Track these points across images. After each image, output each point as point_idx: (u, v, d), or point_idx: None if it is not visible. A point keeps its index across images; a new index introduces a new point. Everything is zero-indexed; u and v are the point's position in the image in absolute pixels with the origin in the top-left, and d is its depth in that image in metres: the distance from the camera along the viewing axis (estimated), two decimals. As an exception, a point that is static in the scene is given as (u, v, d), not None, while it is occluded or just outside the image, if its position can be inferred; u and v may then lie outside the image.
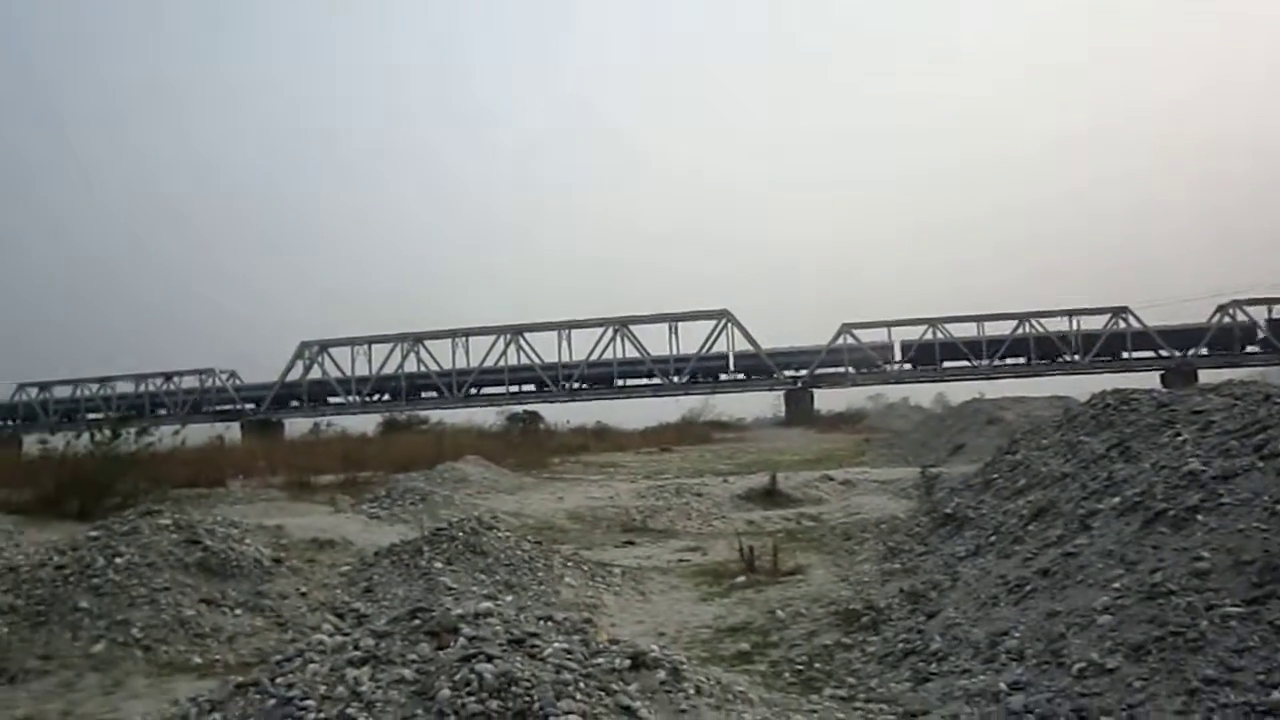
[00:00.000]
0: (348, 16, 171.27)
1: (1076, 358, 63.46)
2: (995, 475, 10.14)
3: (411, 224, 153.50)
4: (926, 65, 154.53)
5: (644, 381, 68.39)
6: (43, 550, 9.70)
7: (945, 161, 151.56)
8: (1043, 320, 63.93)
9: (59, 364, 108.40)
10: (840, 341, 65.79)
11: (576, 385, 68.50)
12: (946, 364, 65.70)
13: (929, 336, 65.27)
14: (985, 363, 63.59)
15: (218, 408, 70.71)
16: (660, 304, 69.49)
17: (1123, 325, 63.46)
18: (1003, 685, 4.83)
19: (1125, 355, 64.34)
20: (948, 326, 65.13)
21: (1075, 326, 64.11)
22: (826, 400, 70.22)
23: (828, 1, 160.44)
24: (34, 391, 74.79)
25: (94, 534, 9.27)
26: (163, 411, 67.45)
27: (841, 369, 67.12)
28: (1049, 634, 5.14)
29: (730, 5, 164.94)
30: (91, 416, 54.30)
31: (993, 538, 7.84)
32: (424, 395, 69.48)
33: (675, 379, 66.34)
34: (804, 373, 66.77)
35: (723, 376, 67.50)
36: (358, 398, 69.34)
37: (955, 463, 21.38)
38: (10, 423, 71.40)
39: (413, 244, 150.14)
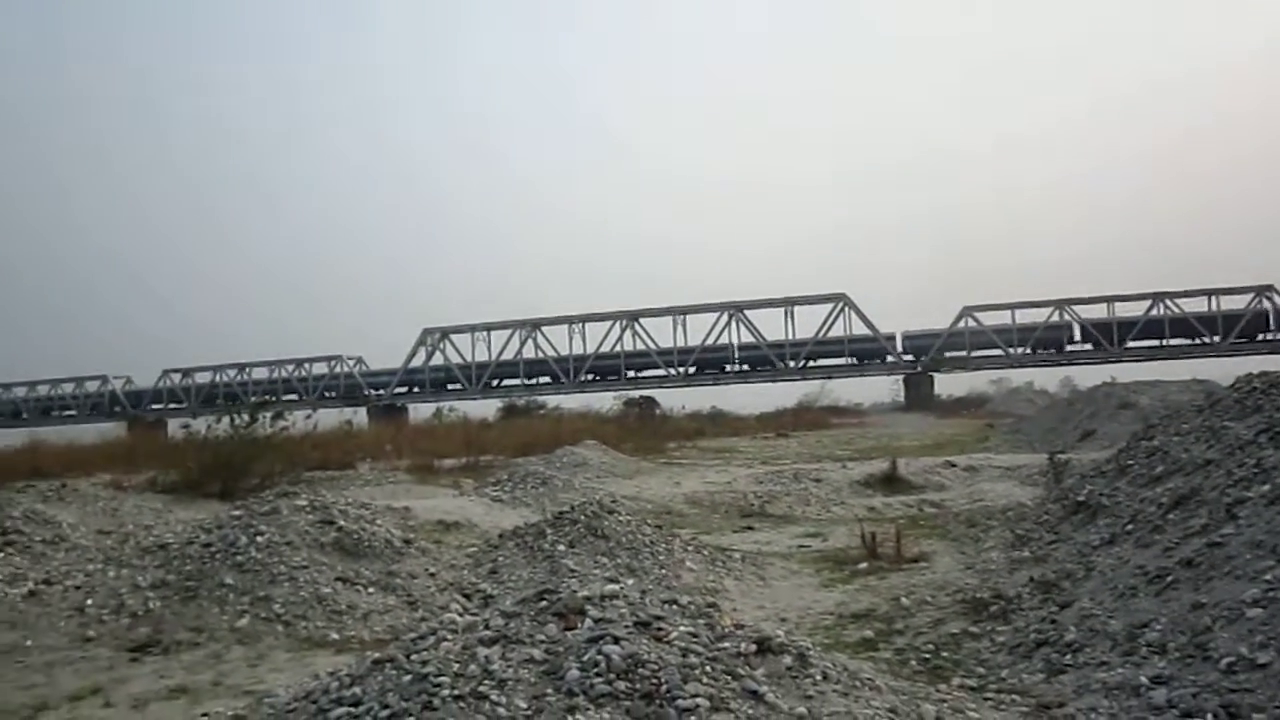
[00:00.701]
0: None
1: (1216, 339, 60.09)
2: (1130, 462, 9.74)
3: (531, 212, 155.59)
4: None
5: (759, 367, 67.96)
6: (190, 528, 10.23)
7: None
8: (1179, 300, 60.85)
9: (206, 351, 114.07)
10: (961, 324, 64.04)
11: (691, 370, 68.50)
12: (1073, 347, 63.26)
13: (1055, 318, 62.89)
14: (1116, 345, 60.95)
15: (346, 393, 73.21)
16: (773, 291, 68.67)
17: (1266, 305, 59.82)
18: (1144, 678, 4.66)
19: (1269, 336, 60.56)
20: (1075, 308, 62.64)
21: (1215, 307, 60.75)
22: (947, 385, 68.68)
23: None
24: (177, 377, 78.73)
25: (236, 513, 9.73)
26: (294, 397, 70.16)
27: (963, 352, 65.28)
28: (1193, 627, 4.93)
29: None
30: (230, 401, 56.89)
31: (1129, 526, 7.54)
32: (542, 380, 70.57)
33: (791, 364, 65.72)
34: (924, 357, 65.27)
35: (839, 361, 66.48)
36: (478, 383, 70.81)
37: (1085, 449, 20.65)
38: (156, 407, 75.42)
39: (527, 235, 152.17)
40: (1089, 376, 50.32)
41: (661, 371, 68.53)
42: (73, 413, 79.25)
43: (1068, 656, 5.46)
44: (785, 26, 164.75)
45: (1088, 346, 62.47)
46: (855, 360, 66.29)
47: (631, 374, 69.34)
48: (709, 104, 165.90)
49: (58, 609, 8.04)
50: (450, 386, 72.22)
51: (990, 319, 63.97)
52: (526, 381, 70.47)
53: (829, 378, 67.18)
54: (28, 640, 7.39)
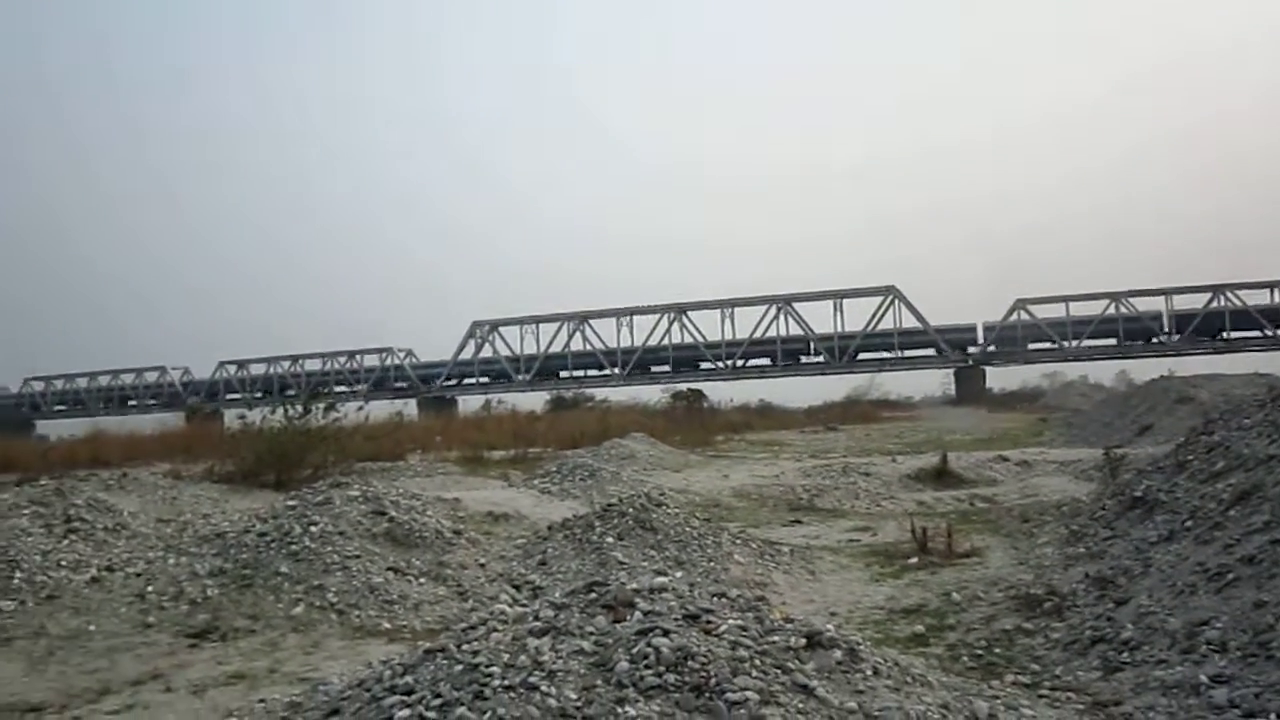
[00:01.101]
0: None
1: (1279, 332, 58.55)
2: (1189, 457, 9.52)
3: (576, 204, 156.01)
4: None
5: (808, 359, 67.57)
6: (246, 518, 10.42)
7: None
8: (1240, 292, 59.42)
9: (263, 343, 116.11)
10: (1014, 317, 63.13)
11: (739, 363, 68.30)
12: (1130, 340, 62.06)
13: (1110, 311, 61.73)
14: (1173, 338, 59.66)
15: (397, 385, 74.03)
16: (825, 285, 68.06)
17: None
18: (1204, 677, 4.57)
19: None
20: (1131, 300, 61.41)
21: (1278, 299, 59.18)
22: (999, 378, 67.76)
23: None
24: (233, 369, 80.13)
25: (291, 503, 9.89)
26: (346, 388, 71.07)
27: (1015, 346, 64.33)
28: (1256, 625, 4.83)
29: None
30: (284, 393, 57.73)
31: (1188, 523, 7.38)
32: (590, 373, 70.80)
33: (840, 356, 65.26)
34: (975, 350, 64.44)
35: (890, 354, 65.86)
36: (526, 375, 71.20)
37: (1142, 444, 20.28)
38: (213, 398, 76.85)
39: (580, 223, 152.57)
40: (1145, 370, 49.28)
41: (708, 365, 68.38)
42: (135, 403, 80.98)
43: (1125, 654, 5.38)
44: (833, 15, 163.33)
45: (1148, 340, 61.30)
46: (905, 353, 65.71)
47: (679, 367, 69.28)
48: (742, 94, 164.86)
49: (119, 595, 8.24)
50: (499, 379, 72.72)
51: (1044, 311, 63.01)
52: (574, 374, 70.72)
53: (878, 371, 66.68)
54: (91, 625, 7.59)
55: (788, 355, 67.58)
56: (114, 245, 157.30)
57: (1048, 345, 63.48)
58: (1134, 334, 61.84)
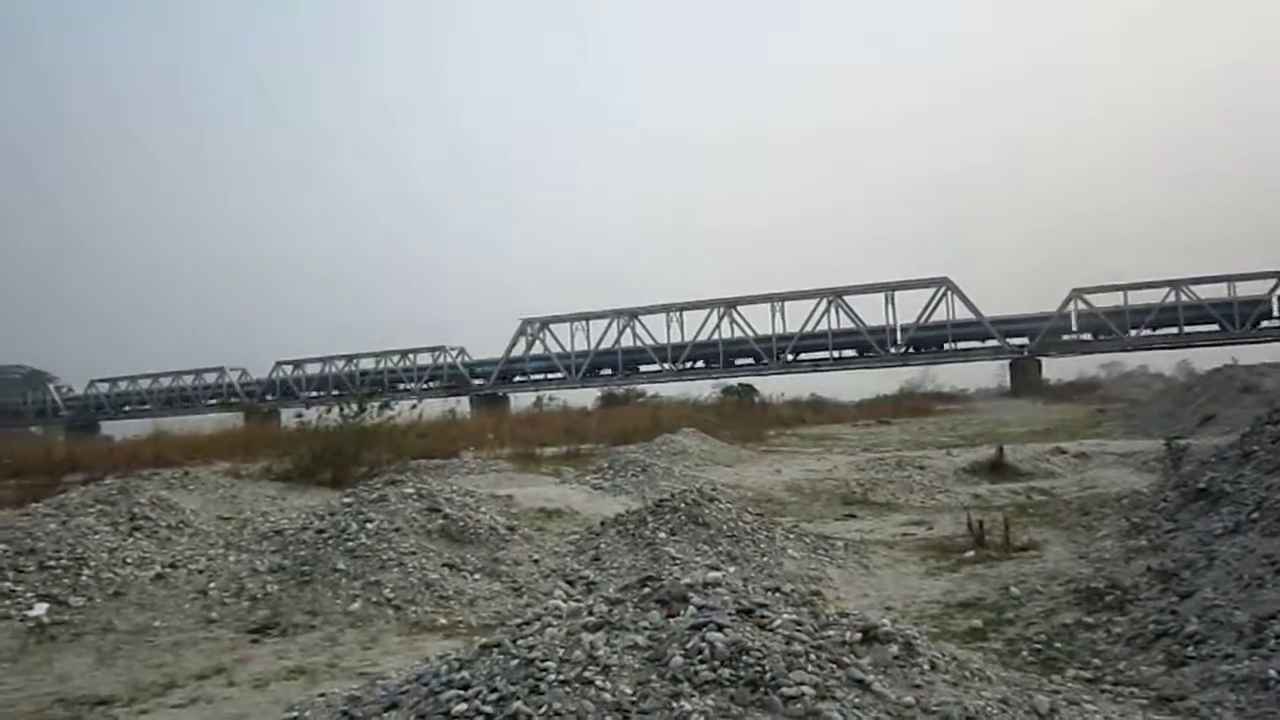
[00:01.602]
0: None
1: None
2: (1255, 447, 9.28)
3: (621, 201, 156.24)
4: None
5: (860, 353, 66.98)
6: (303, 515, 10.57)
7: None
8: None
9: (320, 343, 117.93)
10: (1070, 307, 61.99)
11: (791, 357, 67.90)
12: (1191, 328, 60.59)
13: (1170, 299, 60.32)
14: (1239, 326, 58.16)
15: (449, 383, 74.68)
16: (871, 277, 67.51)
17: None
18: (1272, 671, 4.47)
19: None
20: (1193, 288, 59.95)
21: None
22: (1055, 369, 66.59)
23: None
24: (289, 369, 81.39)
25: (347, 501, 10.03)
26: (401, 386, 71.81)
27: (1071, 336, 63.16)
28: (1326, 619, 4.69)
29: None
30: (339, 392, 58.50)
31: (1255, 514, 7.21)
32: (640, 369, 70.84)
33: (892, 349, 64.60)
34: (1031, 341, 63.38)
35: (946, 346, 65.02)
36: (577, 372, 71.43)
37: (1205, 434, 19.79)
38: (270, 397, 78.12)
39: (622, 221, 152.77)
40: (1207, 359, 48.08)
41: (758, 359, 68.05)
42: (209, 401, 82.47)
43: (1190, 648, 5.27)
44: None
45: (1209, 328, 59.86)
46: (958, 345, 64.86)
47: (730, 362, 69.05)
48: (787, 83, 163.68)
49: (183, 591, 8.42)
50: (550, 375, 73.02)
51: (1101, 300, 61.82)
52: (625, 370, 70.79)
53: (932, 363, 65.94)
54: (156, 621, 7.76)
55: (839, 349, 67.05)
56: (174, 249, 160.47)
57: (1105, 335, 62.30)
58: (1195, 322, 60.37)
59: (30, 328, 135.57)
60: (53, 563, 8.46)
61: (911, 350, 65.27)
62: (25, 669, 6.73)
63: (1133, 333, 61.73)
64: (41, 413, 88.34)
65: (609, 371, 71.62)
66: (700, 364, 69.67)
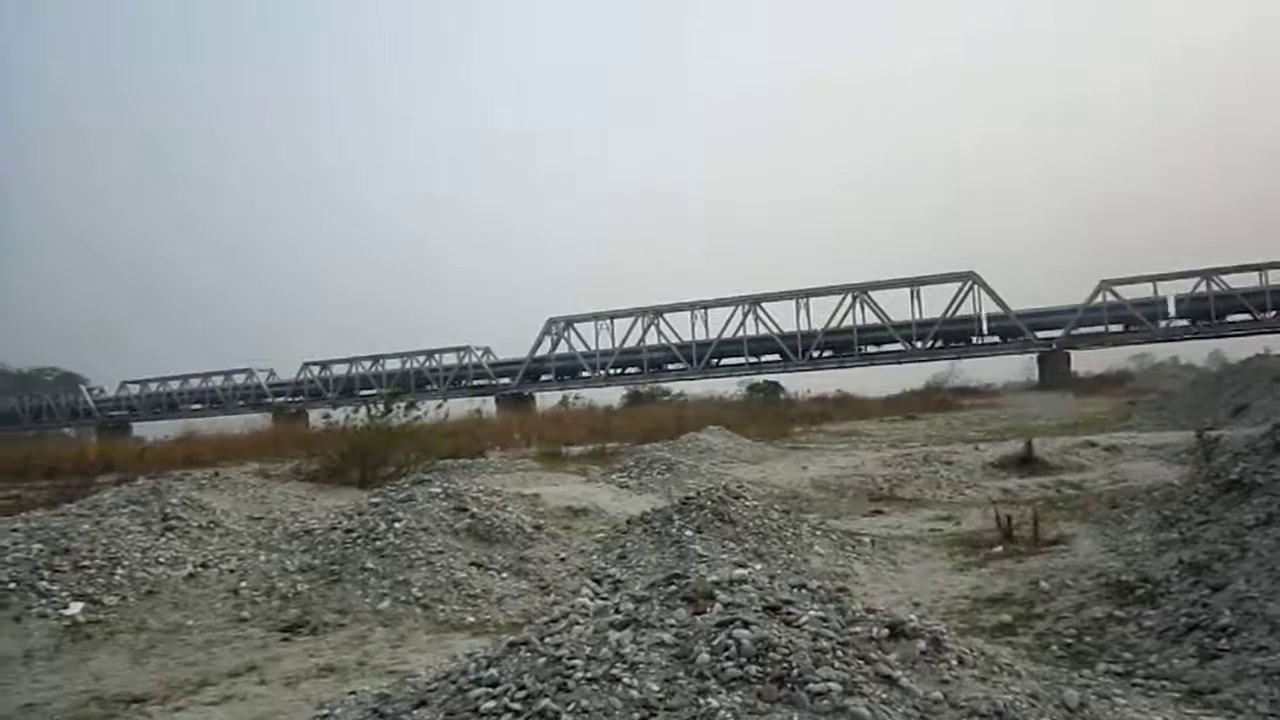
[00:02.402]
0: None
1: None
2: (1288, 438, 9.18)
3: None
4: None
5: (887, 348, 66.64)
6: (332, 515, 10.66)
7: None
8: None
9: (348, 345, 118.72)
10: (1099, 299, 61.37)
11: (816, 354, 67.65)
12: (1222, 318, 59.81)
13: (1202, 289, 59.59)
14: (1271, 316, 57.32)
15: (475, 382, 74.97)
16: (895, 271, 66.99)
17: None
18: (1306, 666, 4.41)
19: None
20: (1224, 278, 59.18)
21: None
22: (1084, 362, 65.98)
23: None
24: (316, 370, 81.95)
25: (375, 501, 10.11)
26: (428, 387, 72.15)
27: (1100, 329, 62.51)
28: (1361, 612, 4.63)
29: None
30: (365, 392, 58.80)
31: (1287, 506, 7.12)
32: (665, 367, 70.81)
33: (919, 344, 64.22)
34: (1059, 334, 62.82)
35: (974, 340, 64.53)
36: (602, 371, 71.49)
37: (1237, 425, 19.57)
38: (298, 399, 78.72)
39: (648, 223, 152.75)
40: (1240, 349, 47.45)
41: (783, 356, 67.83)
42: (238, 402, 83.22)
43: (1222, 641, 5.22)
44: None
45: (1240, 318, 59.11)
46: (985, 339, 64.38)
47: (755, 359, 68.89)
48: (809, 81, 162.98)
49: (214, 590, 8.52)
50: (576, 374, 73.14)
51: (1130, 292, 61.13)
52: (650, 368, 70.78)
53: (958, 358, 65.48)
54: (189, 620, 7.86)
55: (865, 344, 66.71)
56: (200, 255, 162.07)
57: (1134, 327, 61.65)
58: (1226, 312, 59.61)
59: (62, 330, 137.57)
60: (87, 563, 8.58)
61: (938, 345, 64.85)
62: (61, 667, 6.83)
63: (1163, 324, 61.06)
64: (74, 414, 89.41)
65: (634, 370, 71.62)
66: (725, 361, 69.52)
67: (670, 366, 70.78)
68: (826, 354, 68.16)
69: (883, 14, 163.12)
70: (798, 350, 66.95)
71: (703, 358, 68.74)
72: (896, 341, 65.21)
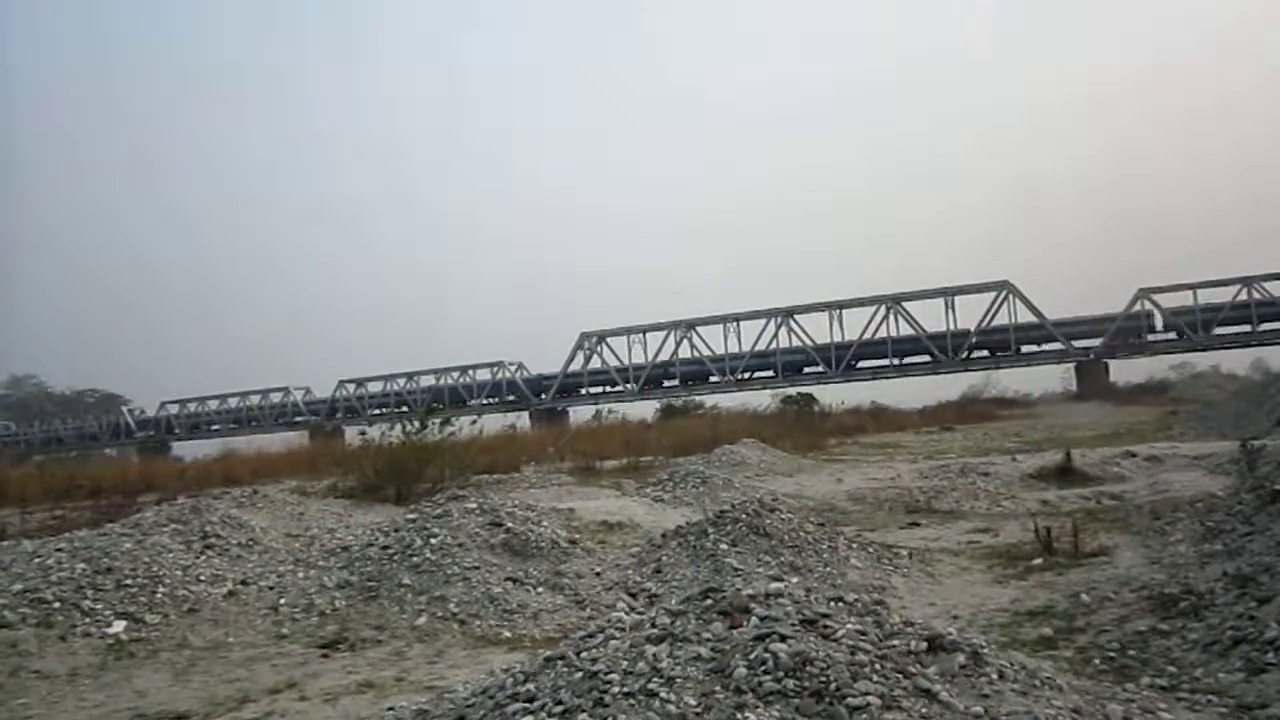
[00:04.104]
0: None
1: None
2: (1334, 447, 9.03)
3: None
4: None
5: (921, 359, 66.12)
6: (369, 531, 10.74)
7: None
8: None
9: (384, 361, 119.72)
10: (1137, 308, 60.55)
11: (850, 365, 67.25)
12: (1266, 326, 58.77)
13: (1243, 296, 58.61)
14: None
15: (509, 398, 75.24)
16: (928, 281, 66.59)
17: None
18: (1356, 679, 4.32)
19: None
20: (1265, 285, 58.10)
21: None
22: (1123, 371, 65.09)
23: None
24: (351, 387, 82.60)
25: (411, 517, 10.17)
26: (464, 403, 72.48)
27: (1139, 337, 61.59)
28: None
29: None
30: (401, 409, 59.14)
31: (1335, 516, 7.00)
32: (698, 380, 70.70)
33: (953, 355, 63.66)
34: (1097, 343, 62.02)
35: (1008, 350, 63.89)
36: (635, 385, 71.50)
37: (1282, 435, 19.24)
38: (334, 416, 79.38)
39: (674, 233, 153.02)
40: (1283, 358, 46.65)
41: (819, 368, 67.50)
42: (276, 421, 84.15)
43: (1269, 654, 5.12)
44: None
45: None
46: (1022, 349, 63.70)
47: (788, 371, 68.60)
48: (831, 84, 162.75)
49: (254, 608, 8.60)
50: (609, 389, 73.15)
51: (1170, 300, 60.28)
52: (683, 381, 70.69)
53: (994, 369, 64.83)
54: (229, 637, 7.94)
55: (899, 355, 66.22)
56: (240, 277, 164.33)
57: (1174, 335, 60.73)
58: (1269, 320, 58.57)
59: (104, 352, 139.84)
60: (129, 581, 8.69)
61: (974, 355, 64.24)
62: (105, 685, 6.92)
63: (1204, 332, 60.12)
64: (115, 435, 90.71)
65: (668, 383, 71.55)
66: (759, 374, 69.29)
67: (704, 379, 70.66)
68: (861, 365, 67.71)
69: (903, 13, 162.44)
70: (831, 362, 66.57)
71: (736, 370, 68.55)
72: (931, 352, 64.69)
